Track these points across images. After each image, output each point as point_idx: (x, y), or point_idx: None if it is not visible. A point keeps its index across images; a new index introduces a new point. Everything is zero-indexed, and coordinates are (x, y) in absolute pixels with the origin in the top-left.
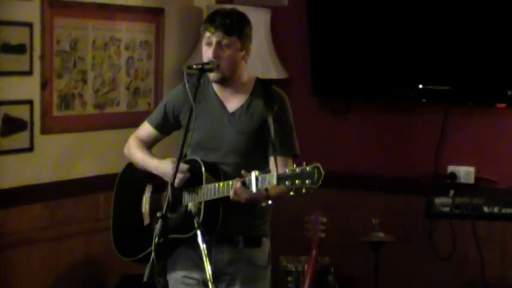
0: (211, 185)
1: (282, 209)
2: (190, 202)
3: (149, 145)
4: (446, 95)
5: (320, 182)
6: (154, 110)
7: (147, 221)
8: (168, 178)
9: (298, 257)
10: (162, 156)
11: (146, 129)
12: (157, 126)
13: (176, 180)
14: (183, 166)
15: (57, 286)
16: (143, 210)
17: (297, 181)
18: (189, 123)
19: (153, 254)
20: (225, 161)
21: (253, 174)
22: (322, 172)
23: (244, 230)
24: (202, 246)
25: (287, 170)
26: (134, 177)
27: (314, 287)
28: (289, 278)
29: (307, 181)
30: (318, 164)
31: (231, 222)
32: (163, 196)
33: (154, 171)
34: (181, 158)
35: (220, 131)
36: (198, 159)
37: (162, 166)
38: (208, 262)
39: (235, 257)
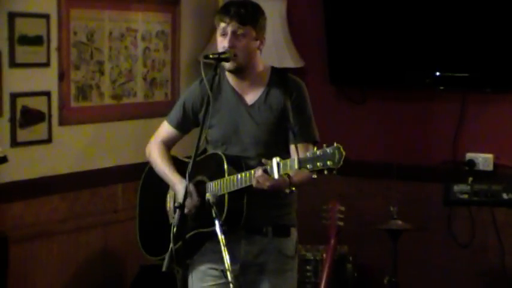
0: (233, 176)
1: (299, 198)
2: (208, 193)
3: (170, 145)
4: (464, 81)
5: (341, 162)
6: (173, 109)
7: (171, 218)
8: (178, 199)
9: (317, 246)
10: (180, 153)
11: (166, 129)
12: (177, 125)
13: (186, 210)
14: (194, 198)
15: (76, 278)
16: (168, 207)
17: (318, 163)
18: (206, 115)
19: (171, 244)
20: (246, 154)
21: (275, 160)
22: (343, 152)
23: (272, 220)
24: (220, 236)
25: (308, 154)
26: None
27: (333, 276)
28: (308, 267)
29: (328, 162)
30: (339, 145)
31: (257, 213)
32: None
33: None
34: (196, 156)
35: (240, 125)
36: (220, 152)
37: (177, 188)
38: (226, 252)
39: (264, 247)
